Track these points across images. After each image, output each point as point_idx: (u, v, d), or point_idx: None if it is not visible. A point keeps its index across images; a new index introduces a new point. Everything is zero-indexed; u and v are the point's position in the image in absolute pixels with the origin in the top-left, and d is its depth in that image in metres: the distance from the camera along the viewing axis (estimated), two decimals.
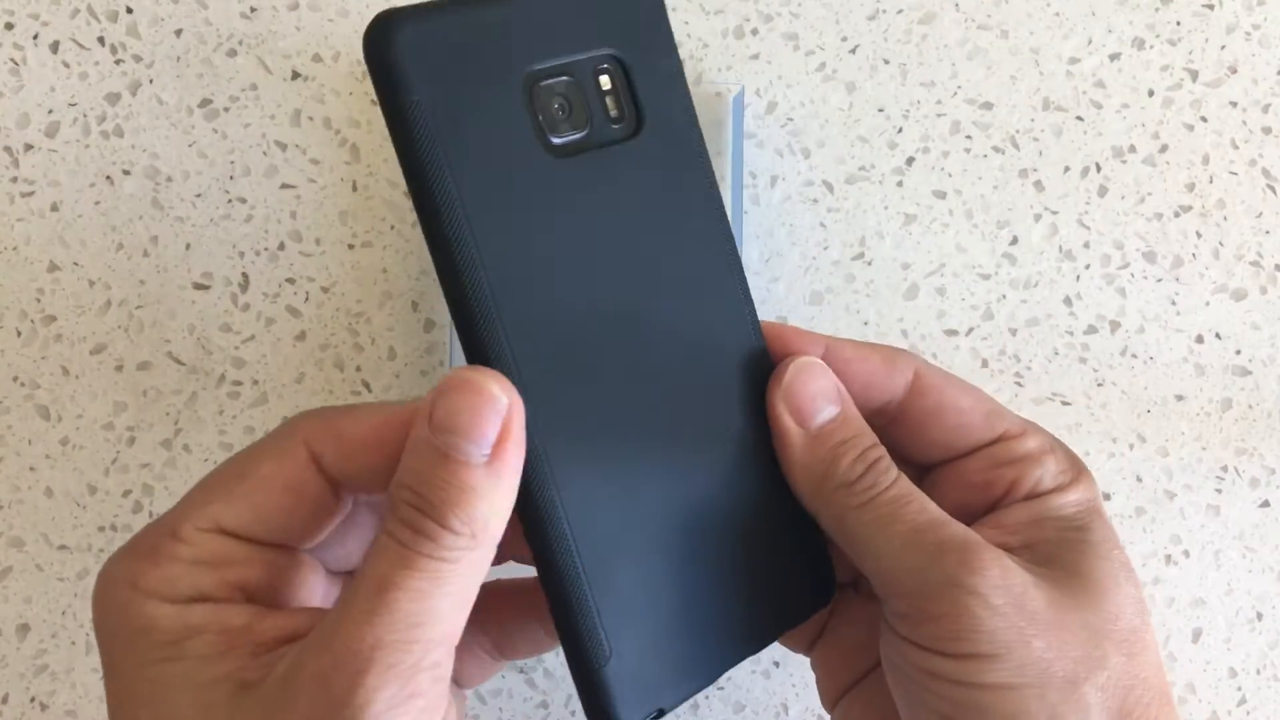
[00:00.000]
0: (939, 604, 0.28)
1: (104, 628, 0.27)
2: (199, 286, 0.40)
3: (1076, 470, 0.31)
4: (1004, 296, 0.41)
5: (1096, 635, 0.28)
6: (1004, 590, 0.27)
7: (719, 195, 0.30)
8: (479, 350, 0.26)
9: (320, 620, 0.26)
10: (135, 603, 0.26)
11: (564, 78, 0.28)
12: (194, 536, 0.27)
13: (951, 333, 0.41)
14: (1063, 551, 0.29)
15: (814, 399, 0.30)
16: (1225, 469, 0.42)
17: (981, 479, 0.31)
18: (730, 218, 0.39)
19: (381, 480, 0.27)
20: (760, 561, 0.30)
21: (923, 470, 0.32)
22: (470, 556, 0.25)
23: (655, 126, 0.29)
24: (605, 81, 0.28)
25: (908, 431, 0.32)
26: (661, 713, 0.28)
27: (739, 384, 0.30)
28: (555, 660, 0.41)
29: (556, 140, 0.27)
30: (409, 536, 0.25)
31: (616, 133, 0.28)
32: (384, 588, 0.25)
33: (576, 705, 0.41)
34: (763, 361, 0.30)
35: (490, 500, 0.25)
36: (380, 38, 0.25)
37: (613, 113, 0.28)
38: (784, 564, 0.31)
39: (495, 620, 0.31)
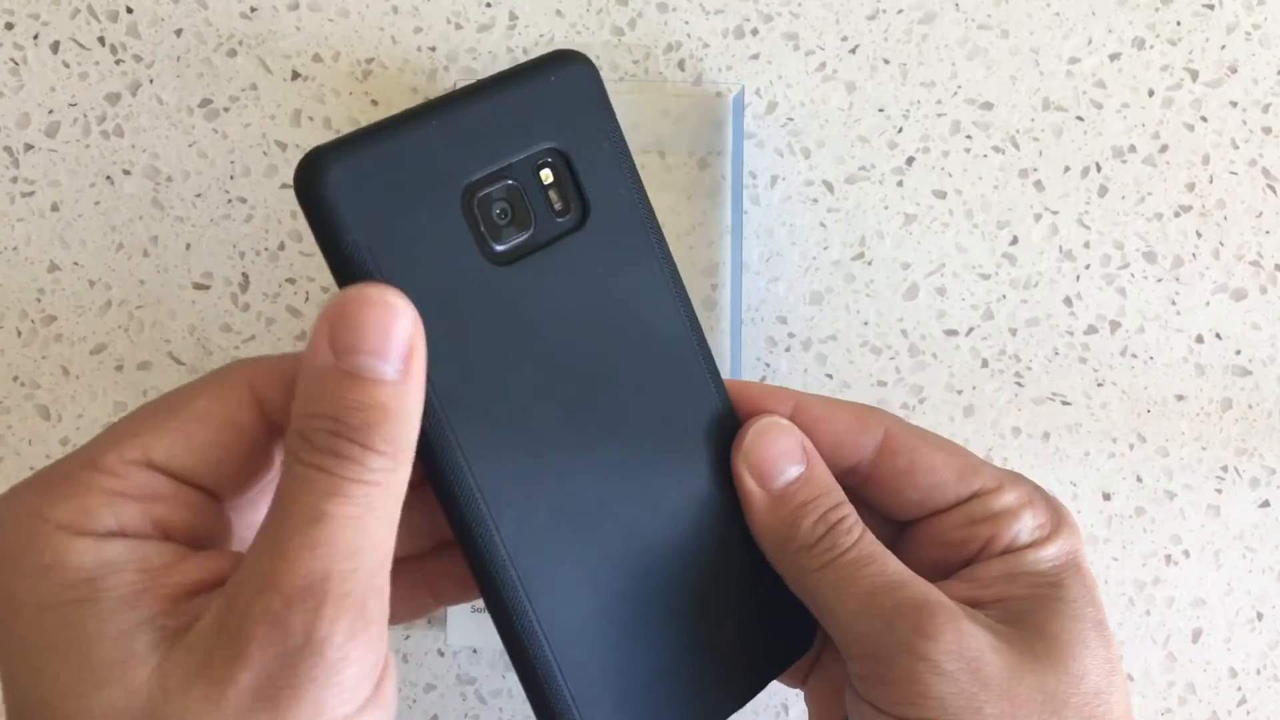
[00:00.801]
0: (892, 669, 0.28)
1: (1, 564, 0.24)
2: (199, 286, 0.40)
3: (1056, 523, 0.31)
4: (1004, 296, 0.41)
5: (1054, 700, 0.28)
6: (957, 655, 0.27)
7: (673, 267, 0.29)
8: (440, 480, 0.26)
9: (240, 565, 0.24)
10: (42, 534, 0.24)
11: (504, 182, 0.27)
12: (118, 467, 0.25)
13: (951, 333, 0.41)
14: (1033, 609, 0.29)
15: (776, 460, 0.30)
16: (1225, 469, 0.42)
17: (957, 536, 0.31)
18: (730, 218, 0.39)
19: None
20: (736, 618, 0.30)
21: (900, 527, 0.32)
22: (394, 477, 0.24)
23: (602, 211, 0.28)
24: (546, 175, 0.28)
25: (880, 491, 0.31)
26: None
27: (706, 448, 0.30)
28: None
29: (500, 248, 0.27)
30: (334, 463, 0.24)
31: (563, 225, 0.28)
32: (318, 518, 0.23)
33: None
34: (729, 424, 0.30)
35: (405, 417, 0.25)
36: (310, 179, 0.25)
37: (557, 206, 0.28)
38: (761, 616, 0.31)
39: (431, 568, 0.31)
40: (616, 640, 0.28)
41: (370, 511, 0.24)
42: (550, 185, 0.28)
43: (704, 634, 0.30)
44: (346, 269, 0.25)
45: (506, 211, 0.27)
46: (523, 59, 0.41)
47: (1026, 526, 0.30)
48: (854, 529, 0.29)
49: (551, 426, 0.28)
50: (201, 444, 0.26)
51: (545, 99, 0.28)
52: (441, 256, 0.26)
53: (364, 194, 0.25)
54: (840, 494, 0.30)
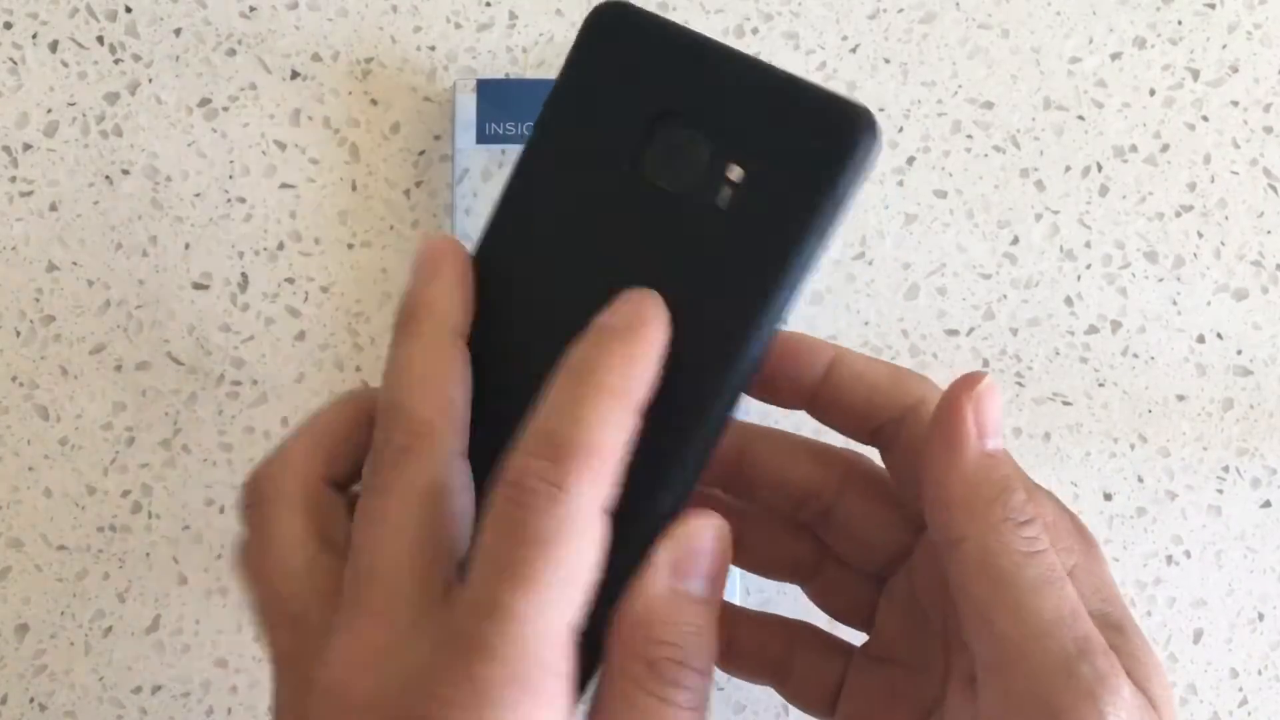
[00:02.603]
0: (1059, 708, 0.25)
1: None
2: (198, 286, 0.40)
3: (1086, 544, 0.29)
4: (1005, 296, 0.41)
5: None
6: (1127, 715, 0.25)
7: (746, 344, 0.27)
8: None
9: None
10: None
11: (702, 136, 0.27)
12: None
13: (952, 332, 0.41)
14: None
15: (998, 421, 0.27)
16: (1226, 469, 0.42)
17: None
18: None
19: None
20: None
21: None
22: (708, 691, 0.26)
23: (742, 232, 0.27)
24: (735, 173, 0.27)
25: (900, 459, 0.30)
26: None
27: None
28: None
29: (647, 169, 0.27)
30: (674, 694, 0.25)
31: (702, 201, 0.27)
32: None
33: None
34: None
35: (715, 632, 0.26)
36: (604, 11, 0.27)
37: (716, 189, 0.27)
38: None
39: None
40: None
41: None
42: (728, 180, 0.27)
43: None
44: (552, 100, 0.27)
45: (680, 152, 0.27)
46: (522, 58, 0.41)
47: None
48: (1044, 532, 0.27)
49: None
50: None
51: (808, 127, 0.26)
52: (608, 138, 0.27)
53: (621, 53, 0.27)
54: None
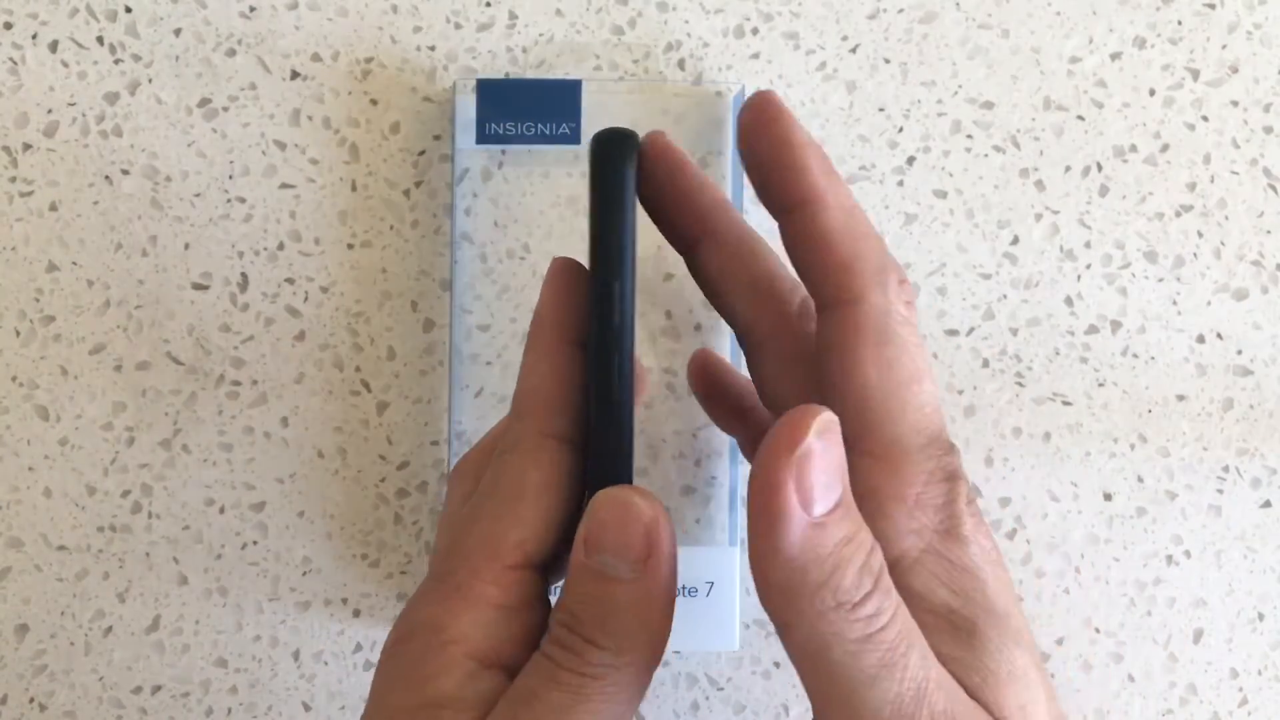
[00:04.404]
0: None
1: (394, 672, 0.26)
2: (198, 286, 0.40)
3: (950, 518, 0.27)
4: (1005, 296, 0.41)
5: None
6: None
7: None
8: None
9: None
10: (436, 648, 0.26)
11: None
12: (502, 575, 0.26)
13: (952, 333, 0.41)
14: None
15: (831, 476, 0.24)
16: (1227, 469, 0.42)
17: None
18: None
19: None
20: None
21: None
22: (616, 675, 0.25)
23: None
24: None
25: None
26: None
27: None
28: None
29: None
30: (557, 652, 0.25)
31: None
32: (527, 699, 0.24)
33: None
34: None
35: (638, 615, 0.25)
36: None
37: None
38: None
39: None
40: None
41: (581, 703, 0.24)
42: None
43: None
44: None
45: None
46: (522, 58, 0.41)
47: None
48: (892, 588, 0.24)
49: None
50: (550, 524, 0.27)
51: None
52: None
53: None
54: (867, 529, 0.24)
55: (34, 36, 0.40)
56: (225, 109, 0.40)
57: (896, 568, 0.25)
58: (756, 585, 0.24)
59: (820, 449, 0.23)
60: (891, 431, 0.26)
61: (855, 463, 0.25)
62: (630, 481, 0.27)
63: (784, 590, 0.23)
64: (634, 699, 0.25)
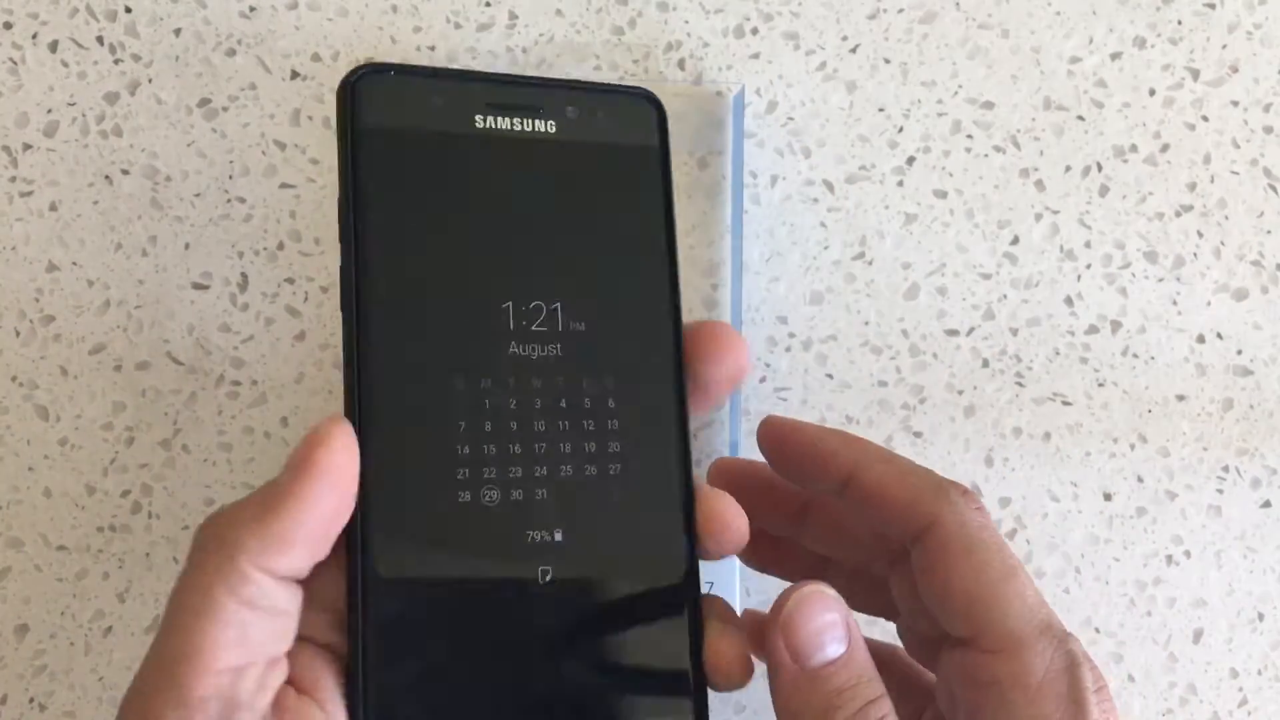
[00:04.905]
0: None
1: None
2: (198, 286, 0.40)
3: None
4: (1005, 296, 0.41)
5: None
6: None
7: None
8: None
9: None
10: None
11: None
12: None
13: (952, 333, 0.41)
14: None
15: (817, 634, 0.28)
16: (1226, 469, 0.42)
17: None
18: (730, 218, 0.39)
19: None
20: None
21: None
22: None
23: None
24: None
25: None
26: None
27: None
28: None
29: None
30: None
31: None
32: None
33: None
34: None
35: None
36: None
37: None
38: None
39: None
40: None
41: None
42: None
43: None
44: None
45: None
46: (522, 58, 0.41)
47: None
48: None
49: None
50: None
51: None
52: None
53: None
54: (879, 684, 0.28)
55: (34, 36, 0.40)
56: (225, 109, 0.40)
57: None
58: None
59: (801, 616, 0.28)
60: (1001, 625, 0.28)
61: (978, 660, 0.28)
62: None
63: None
64: None
